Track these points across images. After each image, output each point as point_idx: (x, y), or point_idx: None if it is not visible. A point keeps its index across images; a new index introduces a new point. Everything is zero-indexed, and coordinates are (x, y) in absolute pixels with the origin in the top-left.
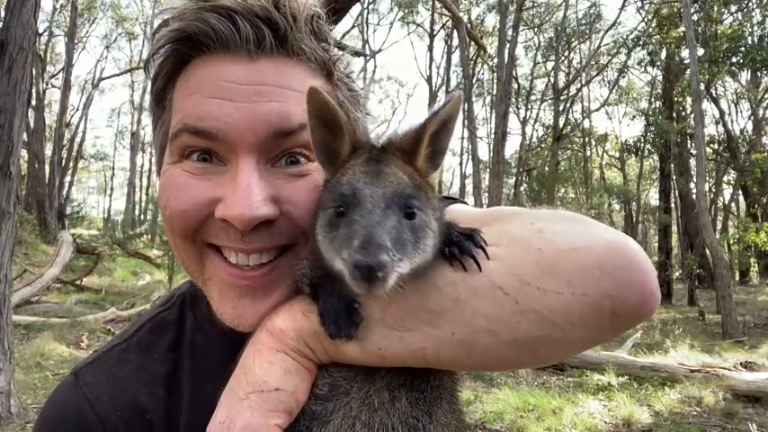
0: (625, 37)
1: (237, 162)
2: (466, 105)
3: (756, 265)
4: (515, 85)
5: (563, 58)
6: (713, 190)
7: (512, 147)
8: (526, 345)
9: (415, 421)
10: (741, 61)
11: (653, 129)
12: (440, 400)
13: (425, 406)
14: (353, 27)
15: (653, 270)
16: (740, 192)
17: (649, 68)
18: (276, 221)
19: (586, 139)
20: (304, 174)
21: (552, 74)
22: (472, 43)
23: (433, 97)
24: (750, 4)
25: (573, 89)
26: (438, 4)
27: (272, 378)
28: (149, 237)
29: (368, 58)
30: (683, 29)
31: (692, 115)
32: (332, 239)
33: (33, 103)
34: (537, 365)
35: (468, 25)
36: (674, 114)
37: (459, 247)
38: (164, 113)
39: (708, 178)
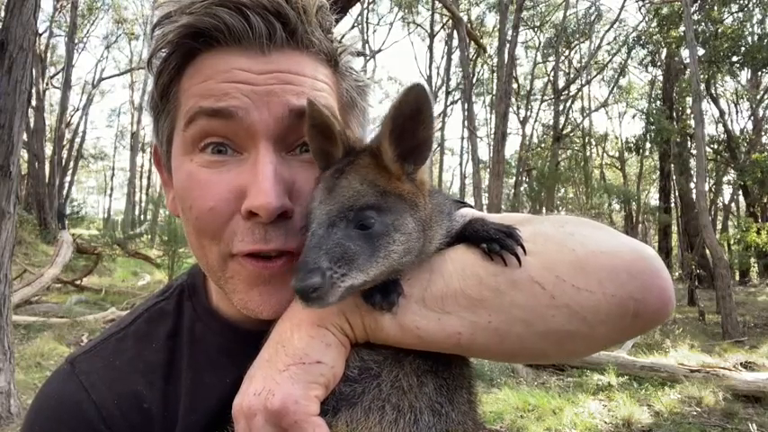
0: (626, 36)
1: (257, 148)
2: (466, 105)
3: (756, 265)
4: (515, 85)
5: (563, 58)
6: (713, 190)
7: (512, 147)
8: (555, 337)
9: (440, 407)
10: (741, 61)
11: (653, 128)
12: (460, 388)
13: (448, 393)
14: (353, 27)
15: (670, 277)
16: (740, 192)
17: (649, 68)
18: (293, 217)
19: (586, 139)
20: None
21: (552, 74)
22: (472, 43)
23: (433, 97)
24: (750, 4)
25: (573, 89)
26: (438, 4)
27: (312, 351)
28: (149, 237)
29: (368, 58)
30: (683, 28)
31: (692, 115)
32: None
33: (33, 103)
34: (558, 359)
35: (468, 25)
36: (674, 114)
37: (500, 243)
38: (169, 105)
39: (708, 178)
